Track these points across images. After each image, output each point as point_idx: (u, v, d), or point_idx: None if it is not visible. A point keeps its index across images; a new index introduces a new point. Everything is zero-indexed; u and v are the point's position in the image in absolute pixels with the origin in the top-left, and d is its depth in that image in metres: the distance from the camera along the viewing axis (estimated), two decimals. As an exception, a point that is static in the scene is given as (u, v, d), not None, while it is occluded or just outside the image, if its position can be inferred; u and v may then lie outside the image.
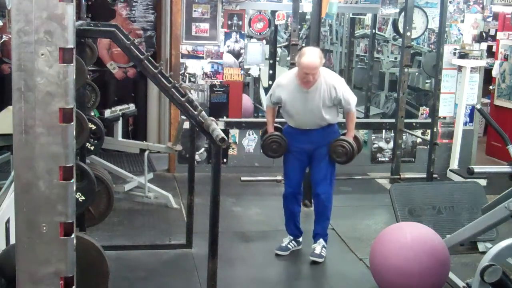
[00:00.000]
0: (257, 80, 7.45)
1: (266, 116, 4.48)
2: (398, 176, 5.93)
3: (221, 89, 6.23)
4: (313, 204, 4.48)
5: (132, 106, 5.74)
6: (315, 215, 4.36)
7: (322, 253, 4.26)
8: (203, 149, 6.22)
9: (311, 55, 3.99)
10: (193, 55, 6.11)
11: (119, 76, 6.93)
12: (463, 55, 6.51)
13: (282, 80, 4.30)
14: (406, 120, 6.05)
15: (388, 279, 3.66)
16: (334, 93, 4.09)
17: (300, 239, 4.43)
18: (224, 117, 6.19)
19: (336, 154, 4.21)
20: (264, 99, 7.42)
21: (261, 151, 4.44)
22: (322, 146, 4.23)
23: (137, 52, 3.30)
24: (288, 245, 4.36)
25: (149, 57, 3.34)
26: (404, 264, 3.56)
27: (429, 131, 6.15)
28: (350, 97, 4.18)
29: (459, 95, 6.61)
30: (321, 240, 4.30)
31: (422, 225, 3.89)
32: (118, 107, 5.47)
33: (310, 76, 3.99)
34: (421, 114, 6.87)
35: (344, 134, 4.29)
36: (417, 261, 3.54)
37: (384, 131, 6.70)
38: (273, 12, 6.44)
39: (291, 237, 4.39)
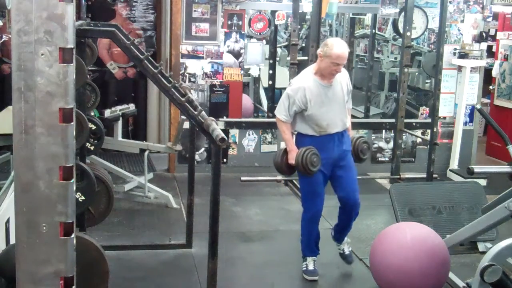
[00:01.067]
0: (257, 80, 7.45)
1: (284, 133, 3.95)
2: (398, 176, 5.93)
3: (221, 89, 6.23)
4: (342, 212, 4.12)
5: (132, 106, 5.74)
6: (345, 223, 4.15)
7: (351, 253, 4.28)
8: (203, 149, 6.23)
9: (342, 45, 3.80)
10: (193, 55, 6.11)
11: (119, 76, 6.93)
12: (463, 55, 6.51)
13: (300, 84, 3.88)
14: (406, 120, 6.04)
15: (388, 279, 3.66)
16: (347, 84, 4.02)
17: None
18: (224, 117, 6.19)
19: (362, 153, 4.12)
20: (264, 99, 7.43)
21: (302, 172, 3.86)
22: (346, 152, 4.02)
23: (137, 52, 3.30)
24: (316, 267, 4.10)
25: (149, 57, 3.34)
26: (404, 264, 3.56)
27: (429, 131, 6.15)
28: None
29: (459, 95, 6.61)
30: (346, 239, 4.28)
31: (422, 225, 3.89)
32: (118, 107, 5.47)
33: (340, 67, 3.83)
34: (421, 114, 6.87)
35: None
36: (417, 261, 3.54)
37: (384, 131, 6.70)
38: (273, 12, 6.45)
39: (314, 257, 4.12)
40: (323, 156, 3.88)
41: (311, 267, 4.08)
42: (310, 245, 4.13)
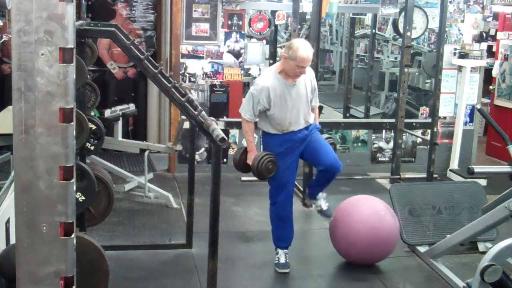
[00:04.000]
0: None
1: (246, 134, 3.98)
2: (398, 176, 5.94)
3: (221, 89, 6.23)
4: (324, 175, 4.06)
5: (132, 106, 5.73)
6: (325, 181, 4.12)
7: (329, 208, 4.24)
8: (203, 149, 6.22)
9: (306, 47, 3.79)
10: (193, 55, 6.11)
11: (119, 76, 6.93)
12: (463, 55, 6.51)
13: (264, 83, 3.88)
14: (406, 120, 6.05)
15: (342, 247, 4.15)
16: (311, 81, 4.01)
17: None
18: (224, 117, 6.19)
19: None
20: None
21: (256, 175, 3.94)
22: (313, 131, 4.03)
23: (137, 52, 3.30)
24: (287, 260, 4.13)
25: (149, 57, 3.34)
26: (352, 233, 4.02)
27: (429, 131, 6.15)
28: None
29: (459, 95, 6.61)
30: (321, 194, 4.23)
31: (374, 198, 4.26)
32: (118, 107, 5.47)
33: (305, 69, 3.83)
34: (421, 114, 6.87)
35: None
36: (366, 232, 3.96)
37: (384, 131, 6.69)
38: (273, 12, 6.44)
39: (285, 250, 4.16)
40: (286, 146, 3.94)
41: (282, 260, 4.13)
42: (280, 237, 4.18)
